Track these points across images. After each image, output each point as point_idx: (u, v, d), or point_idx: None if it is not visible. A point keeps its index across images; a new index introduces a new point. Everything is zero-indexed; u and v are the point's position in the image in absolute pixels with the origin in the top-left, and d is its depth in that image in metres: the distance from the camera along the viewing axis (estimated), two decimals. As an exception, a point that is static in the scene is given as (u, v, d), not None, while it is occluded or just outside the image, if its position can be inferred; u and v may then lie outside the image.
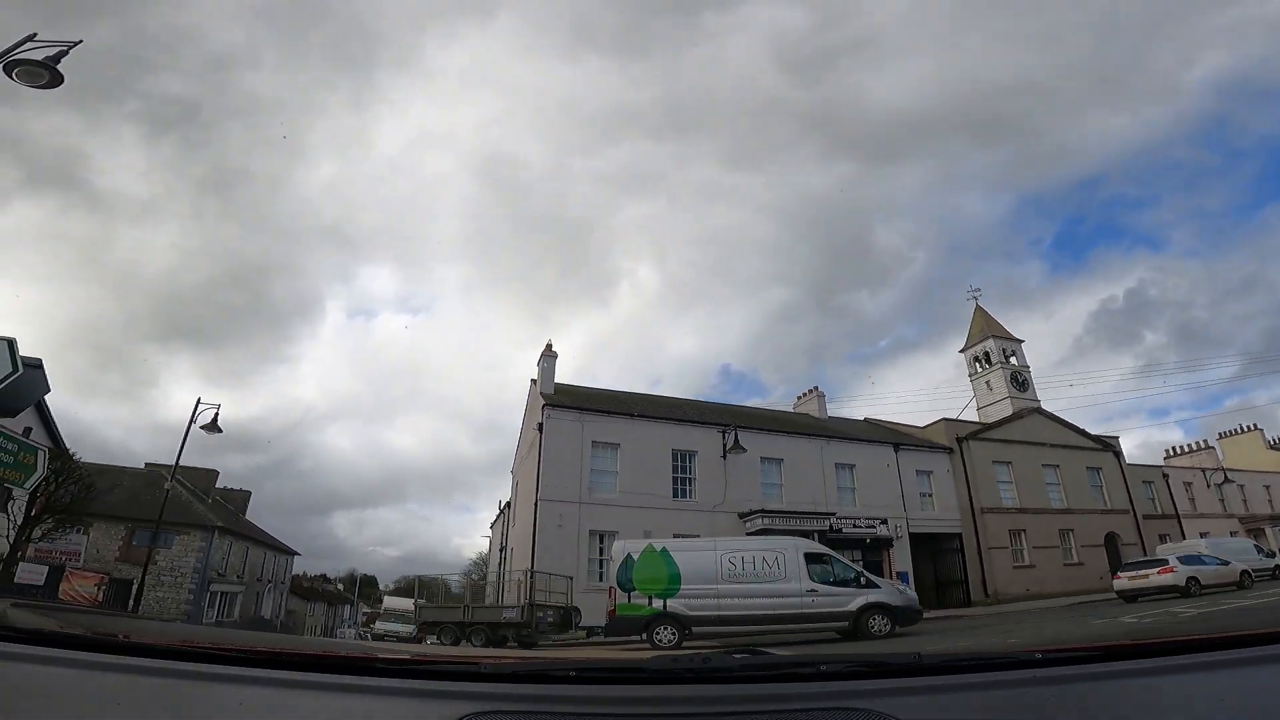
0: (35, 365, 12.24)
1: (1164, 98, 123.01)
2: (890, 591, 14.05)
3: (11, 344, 7.02)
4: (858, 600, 13.34)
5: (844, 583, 13.72)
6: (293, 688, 1.23)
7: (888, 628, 13.14)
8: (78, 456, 21.87)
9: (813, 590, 13.38)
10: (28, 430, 20.50)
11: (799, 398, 34.07)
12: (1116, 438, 34.53)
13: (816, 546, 14.99)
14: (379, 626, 37.27)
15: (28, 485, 8.17)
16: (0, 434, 7.40)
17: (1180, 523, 34.67)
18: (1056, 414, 33.64)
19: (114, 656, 1.28)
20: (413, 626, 34.17)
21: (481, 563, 61.70)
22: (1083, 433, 33.52)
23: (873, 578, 14.43)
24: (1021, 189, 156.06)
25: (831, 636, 13.69)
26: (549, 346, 25.60)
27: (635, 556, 13.91)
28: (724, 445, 24.47)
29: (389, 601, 43.01)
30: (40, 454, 8.08)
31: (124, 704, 1.12)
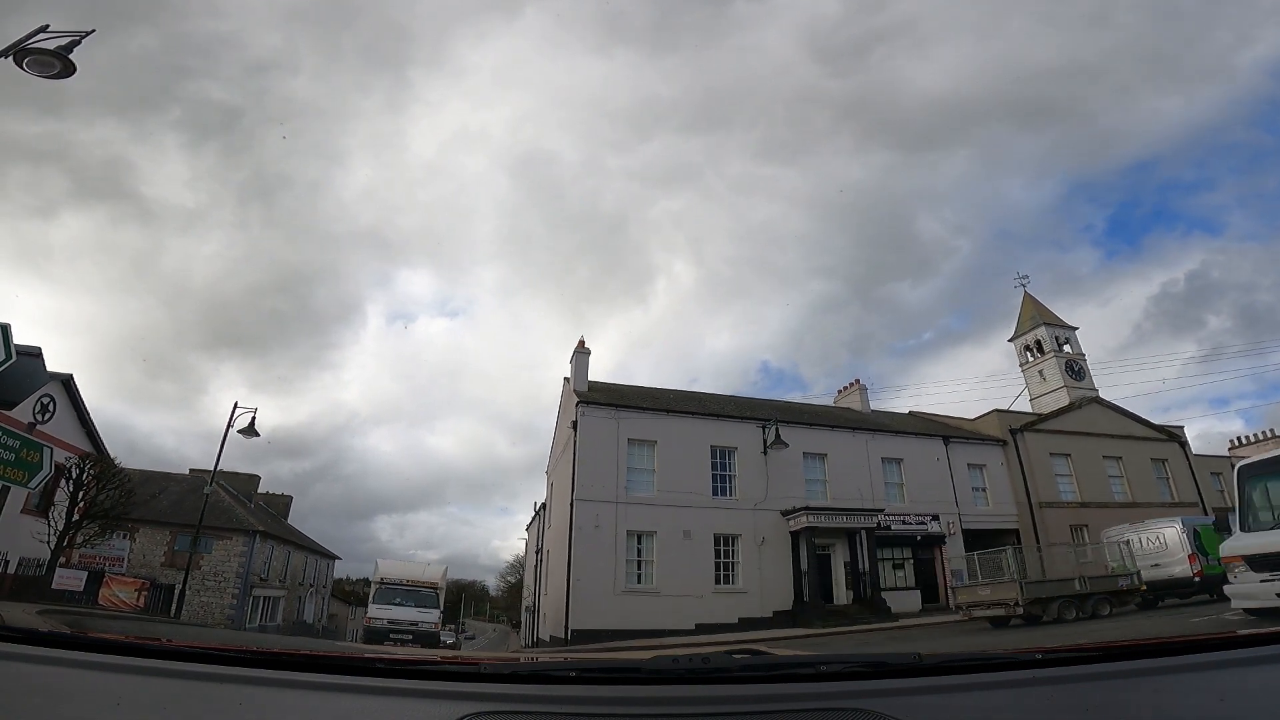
0: (33, 354, 12.07)
1: (1218, 79, 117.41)
2: None
3: (4, 330, 6.69)
4: None
5: None
6: (293, 688, 1.23)
7: None
8: (119, 461, 22.06)
9: None
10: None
11: (840, 391, 32.98)
12: (1181, 427, 32.58)
13: None
14: (375, 613, 21.69)
15: (33, 484, 7.87)
16: (0, 429, 7.10)
17: (1253, 516, 32.68)
18: (1116, 403, 31.91)
19: (113, 657, 1.28)
20: (437, 612, 22.93)
21: (519, 565, 61.68)
22: (1145, 422, 31.68)
23: None
24: (1070, 174, 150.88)
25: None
26: (581, 343, 25.06)
27: (1198, 529, 16.95)
28: (764, 441, 23.60)
29: (387, 568, 23.96)
30: (46, 451, 7.77)
31: (124, 704, 1.11)
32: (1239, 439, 41.03)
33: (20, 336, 8.42)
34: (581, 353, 24.97)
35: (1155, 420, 32.30)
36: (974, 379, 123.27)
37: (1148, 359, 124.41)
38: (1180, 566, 16.79)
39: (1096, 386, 32.67)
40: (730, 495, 23.01)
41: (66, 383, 21.93)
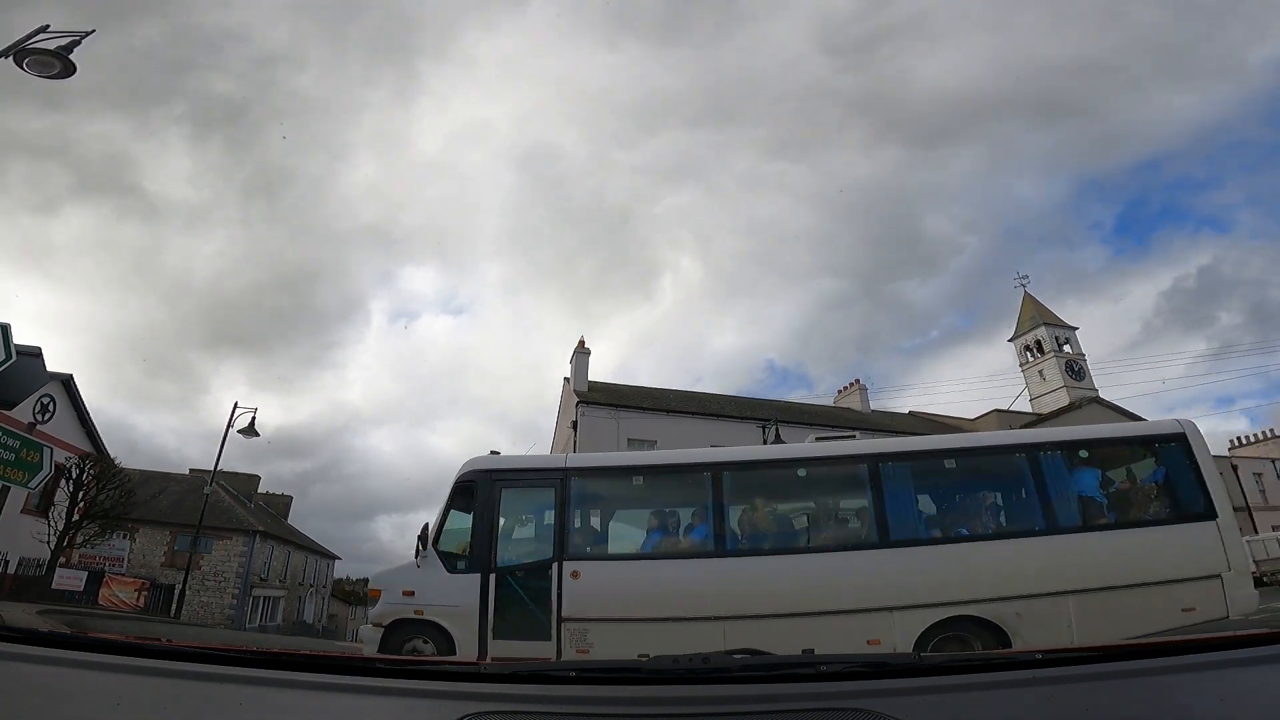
0: (33, 354, 12.10)
1: (1230, 76, 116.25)
2: None
3: (4, 330, 6.71)
4: None
5: None
6: (293, 688, 1.23)
7: None
8: (119, 461, 22.08)
9: None
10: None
11: (840, 391, 33.01)
12: (1182, 427, 32.60)
13: None
14: None
15: (33, 484, 7.89)
16: (1, 429, 7.12)
17: (1251, 515, 32.70)
18: (1117, 403, 31.94)
19: (113, 657, 1.28)
20: None
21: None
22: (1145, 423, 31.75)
23: None
24: (1080, 172, 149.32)
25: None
26: (581, 343, 25.12)
27: None
28: (764, 441, 23.55)
29: None
30: (46, 451, 7.78)
31: (124, 704, 1.11)
32: (1240, 439, 41.05)
33: (20, 336, 8.43)
34: (581, 353, 24.99)
35: (1161, 418, 32.34)
36: (975, 378, 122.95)
37: (1151, 358, 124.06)
38: None
39: (1097, 386, 32.74)
40: (730, 495, 22.99)
41: (66, 383, 21.95)
